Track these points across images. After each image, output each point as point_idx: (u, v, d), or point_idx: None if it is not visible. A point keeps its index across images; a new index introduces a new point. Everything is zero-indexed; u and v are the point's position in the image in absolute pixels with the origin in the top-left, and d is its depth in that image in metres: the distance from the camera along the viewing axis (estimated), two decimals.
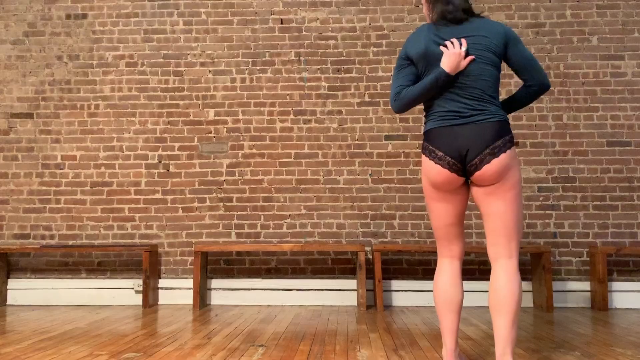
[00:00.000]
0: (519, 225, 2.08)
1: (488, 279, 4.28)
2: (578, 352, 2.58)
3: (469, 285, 4.27)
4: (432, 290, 4.27)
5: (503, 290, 2.01)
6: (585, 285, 4.22)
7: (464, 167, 2.08)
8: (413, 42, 2.18)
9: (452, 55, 2.04)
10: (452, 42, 2.08)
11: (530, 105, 4.40)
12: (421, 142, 4.39)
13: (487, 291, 4.26)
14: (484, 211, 2.13)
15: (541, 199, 4.33)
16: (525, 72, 2.12)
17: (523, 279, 4.28)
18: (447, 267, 2.23)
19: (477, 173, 2.05)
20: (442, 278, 2.21)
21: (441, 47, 2.08)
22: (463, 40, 2.07)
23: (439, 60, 2.09)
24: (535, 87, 2.14)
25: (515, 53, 2.11)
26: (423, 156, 2.16)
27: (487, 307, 4.21)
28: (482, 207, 2.14)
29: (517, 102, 2.22)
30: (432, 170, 2.12)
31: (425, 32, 2.16)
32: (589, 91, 4.39)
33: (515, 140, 4.37)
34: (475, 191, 2.13)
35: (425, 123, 2.20)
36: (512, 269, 2.05)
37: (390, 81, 4.44)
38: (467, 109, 2.06)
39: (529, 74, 2.12)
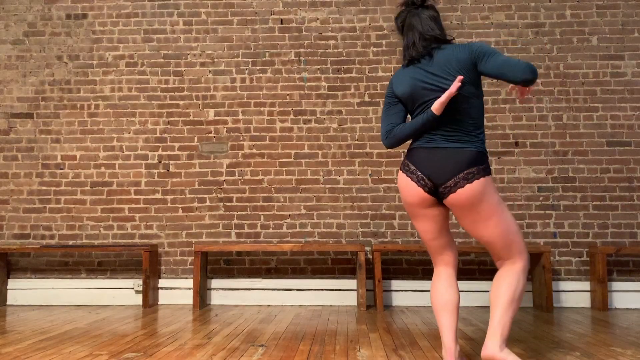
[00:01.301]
0: (512, 236, 2.14)
1: (488, 279, 4.28)
2: (578, 352, 2.58)
3: (468, 285, 4.27)
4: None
5: (500, 288, 2.13)
6: (585, 285, 4.22)
7: (435, 187, 2.16)
8: (398, 83, 2.27)
9: (441, 105, 2.10)
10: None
11: (530, 105, 4.40)
12: None
13: (487, 291, 4.26)
14: (475, 235, 2.21)
15: (541, 199, 4.33)
16: (504, 78, 2.08)
17: None
18: (443, 273, 2.31)
19: (452, 196, 2.13)
20: (439, 283, 2.30)
21: (438, 105, 2.11)
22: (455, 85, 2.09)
23: (425, 98, 2.18)
24: (520, 83, 2.06)
25: (486, 68, 2.12)
26: (400, 173, 2.26)
27: (487, 307, 4.21)
28: (471, 232, 2.22)
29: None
30: (401, 184, 2.24)
31: (408, 73, 2.24)
32: (589, 91, 4.39)
33: (516, 141, 4.38)
34: (457, 218, 2.21)
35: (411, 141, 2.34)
36: (513, 269, 2.16)
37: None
38: (449, 136, 2.15)
39: (507, 78, 2.07)
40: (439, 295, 2.26)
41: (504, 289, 2.12)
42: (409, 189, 2.21)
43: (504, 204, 2.16)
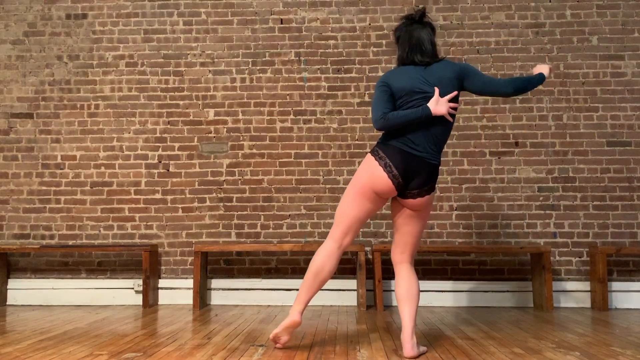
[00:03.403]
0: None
1: (488, 279, 4.28)
2: (578, 352, 2.58)
3: (468, 285, 4.27)
4: (432, 290, 4.26)
5: (412, 288, 2.60)
6: (585, 285, 4.22)
7: (404, 188, 2.55)
8: (396, 78, 2.59)
9: (443, 106, 2.49)
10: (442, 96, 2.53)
11: (530, 105, 4.40)
12: None
13: (487, 291, 4.26)
14: (403, 229, 2.64)
15: (541, 199, 4.33)
16: (487, 93, 2.60)
17: (523, 279, 4.28)
18: (331, 249, 2.62)
19: (412, 201, 2.56)
20: (322, 254, 2.62)
21: (434, 108, 2.51)
22: (451, 95, 2.54)
23: (421, 95, 2.53)
24: (501, 96, 2.61)
25: (472, 86, 2.59)
26: (373, 159, 2.55)
27: (487, 307, 4.21)
28: (402, 225, 2.64)
29: None
30: (380, 177, 2.52)
31: (407, 73, 2.59)
32: (589, 91, 4.39)
33: (516, 141, 4.38)
34: (400, 212, 2.64)
35: (385, 134, 2.60)
36: (414, 272, 2.66)
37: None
38: (425, 146, 2.53)
39: (490, 93, 2.59)
40: (319, 265, 2.59)
41: (415, 291, 2.59)
42: (382, 181, 2.52)
43: None
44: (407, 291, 2.59)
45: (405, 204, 2.60)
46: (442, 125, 2.54)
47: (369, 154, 2.60)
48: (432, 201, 2.64)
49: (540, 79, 2.65)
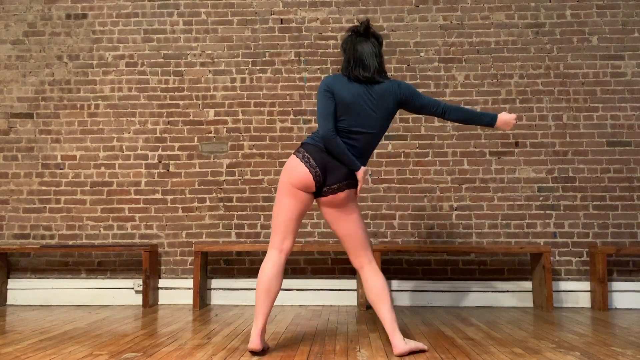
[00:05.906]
0: (368, 236, 2.72)
1: (488, 279, 4.28)
2: (578, 352, 2.58)
3: (468, 285, 4.27)
4: (432, 290, 4.27)
5: (378, 286, 2.62)
6: (585, 285, 4.22)
7: (321, 185, 2.61)
8: (339, 86, 2.64)
9: (365, 181, 2.71)
10: (367, 180, 2.80)
11: (530, 105, 4.40)
12: (419, 142, 4.40)
13: (487, 291, 4.26)
14: (340, 233, 2.68)
15: (541, 199, 4.33)
16: (428, 112, 2.71)
17: (523, 278, 4.28)
18: (275, 258, 2.62)
19: (332, 196, 2.61)
20: (268, 267, 2.60)
21: (361, 172, 2.61)
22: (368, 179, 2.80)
23: (358, 113, 2.60)
24: (446, 116, 2.69)
25: (414, 107, 2.71)
26: (294, 157, 2.63)
27: (487, 307, 4.21)
28: (337, 230, 2.69)
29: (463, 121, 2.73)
30: (297, 169, 2.59)
31: (352, 88, 2.63)
32: (589, 91, 4.39)
33: (516, 141, 4.38)
34: (328, 214, 2.68)
35: (314, 135, 2.67)
36: (377, 269, 2.68)
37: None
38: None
39: (432, 112, 2.70)
40: (266, 281, 2.57)
41: (385, 288, 2.61)
42: (304, 178, 2.59)
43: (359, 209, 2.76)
44: (374, 292, 2.62)
45: (326, 202, 2.63)
46: (368, 141, 2.65)
47: (292, 154, 2.69)
48: (351, 198, 2.65)
49: (488, 120, 2.70)
